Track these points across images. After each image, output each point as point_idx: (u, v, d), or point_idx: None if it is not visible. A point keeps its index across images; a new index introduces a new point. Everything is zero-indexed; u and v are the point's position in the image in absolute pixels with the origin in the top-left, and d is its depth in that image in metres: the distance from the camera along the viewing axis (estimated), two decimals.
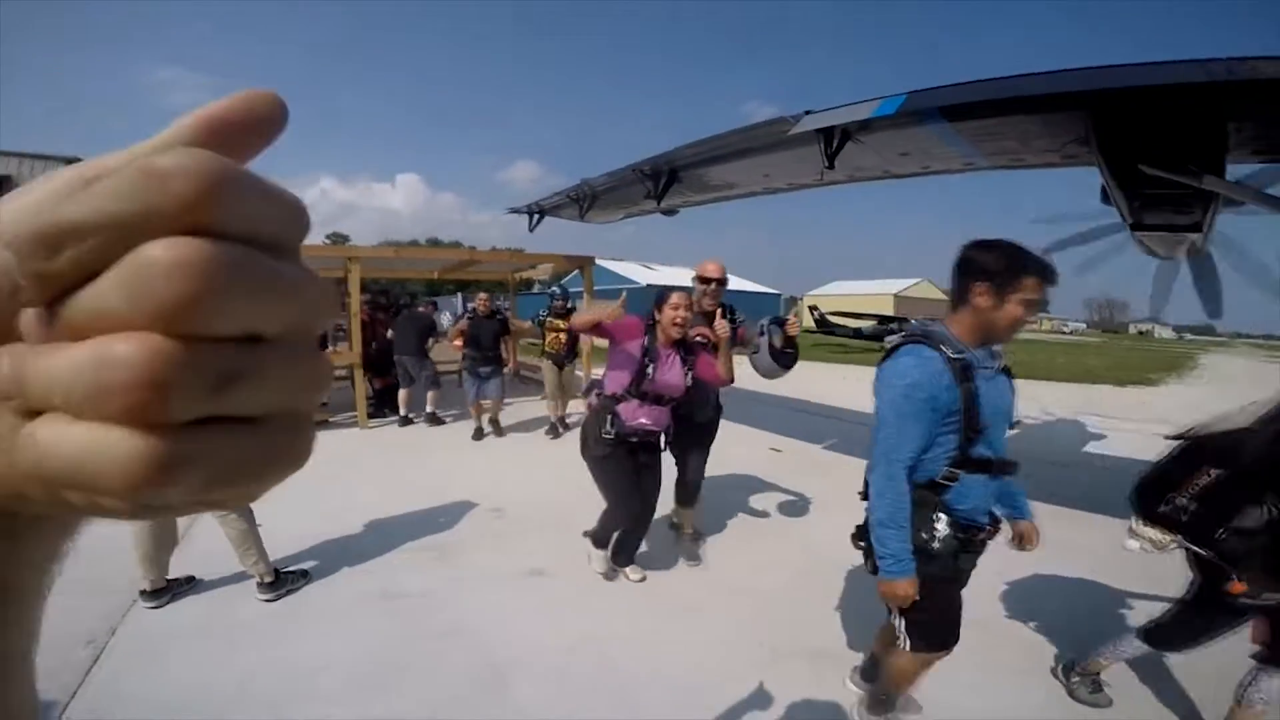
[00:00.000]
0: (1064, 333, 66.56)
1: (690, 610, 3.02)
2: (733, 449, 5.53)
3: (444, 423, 7.42)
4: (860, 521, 1.94)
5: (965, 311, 1.72)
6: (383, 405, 7.95)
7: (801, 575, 3.42)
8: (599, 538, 3.22)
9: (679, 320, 2.82)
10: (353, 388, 7.45)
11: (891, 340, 1.85)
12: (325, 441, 6.03)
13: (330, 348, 8.15)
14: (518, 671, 2.49)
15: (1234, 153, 3.29)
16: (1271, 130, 2.99)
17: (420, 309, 8.45)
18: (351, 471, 5.19)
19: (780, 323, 3.20)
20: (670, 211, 6.77)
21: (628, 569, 3.33)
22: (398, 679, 2.44)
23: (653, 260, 37.70)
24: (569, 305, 6.89)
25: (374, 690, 2.36)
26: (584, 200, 6.53)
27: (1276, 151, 3.34)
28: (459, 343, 6.70)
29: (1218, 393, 13.36)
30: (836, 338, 23.06)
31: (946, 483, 1.76)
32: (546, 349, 6.90)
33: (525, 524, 4.14)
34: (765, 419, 7.92)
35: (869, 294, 43.85)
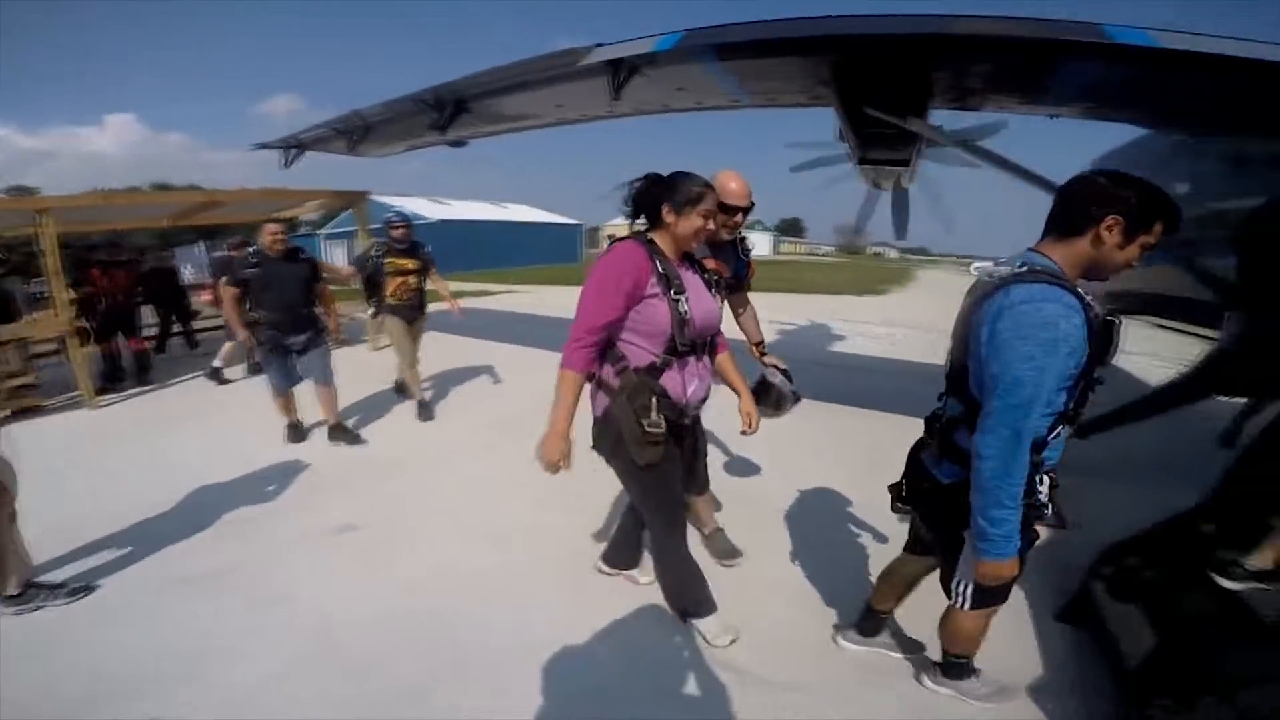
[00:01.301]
0: (817, 255, 77.78)
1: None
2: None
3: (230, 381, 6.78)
4: (893, 480, 1.97)
5: (1081, 243, 1.52)
6: (116, 377, 6.73)
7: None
8: (697, 601, 2.37)
9: (706, 230, 2.08)
10: (69, 362, 6.12)
11: (1002, 271, 1.58)
12: (42, 430, 5.04)
13: (27, 316, 6.65)
14: (346, 631, 2.46)
15: (936, 100, 4.06)
16: (962, 81, 3.71)
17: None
18: (103, 459, 4.44)
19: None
20: (458, 143, 6.43)
21: (635, 572, 2.78)
22: (220, 660, 2.28)
23: (445, 195, 35.45)
24: (416, 241, 5.29)
25: (196, 677, 2.19)
26: (354, 132, 5.90)
27: (966, 101, 4.17)
28: (231, 305, 4.47)
29: (924, 296, 19.75)
30: None
31: (1049, 441, 1.58)
32: (391, 299, 5.17)
33: (332, 480, 3.96)
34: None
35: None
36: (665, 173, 2.09)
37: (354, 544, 3.16)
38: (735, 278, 2.83)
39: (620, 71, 3.76)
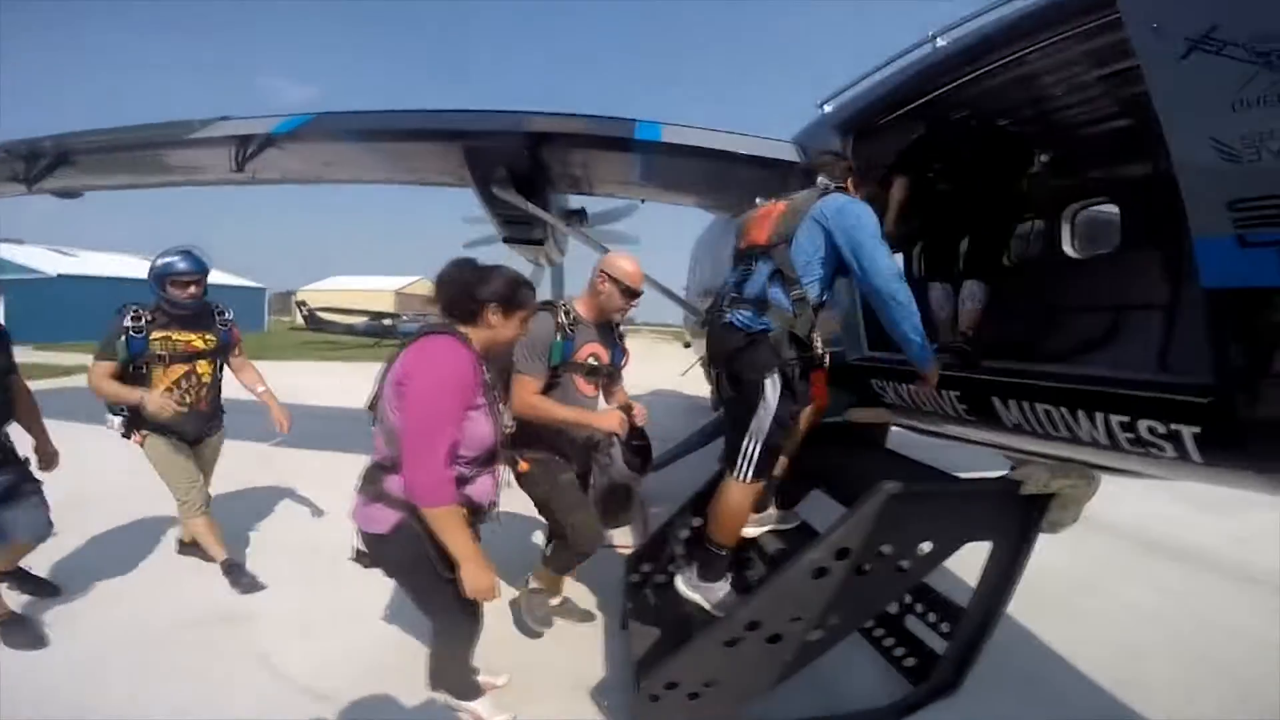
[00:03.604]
0: None
1: None
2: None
3: None
4: None
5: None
6: None
7: None
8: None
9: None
10: None
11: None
12: None
13: None
14: None
15: (557, 185, 4.88)
16: (563, 170, 4.50)
17: None
18: None
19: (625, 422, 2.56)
20: (69, 194, 5.58)
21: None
22: None
23: (72, 244, 27.81)
24: (210, 303, 3.19)
25: None
26: None
27: (579, 187, 5.08)
28: None
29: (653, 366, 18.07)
30: (328, 335, 22.22)
31: None
32: (163, 405, 2.88)
33: None
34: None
35: (371, 289, 42.81)
36: (479, 262, 1.94)
37: None
38: (613, 366, 2.74)
39: (249, 144, 3.81)
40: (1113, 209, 3.34)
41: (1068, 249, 3.49)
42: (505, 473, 2.09)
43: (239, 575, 3.21)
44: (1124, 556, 4.16)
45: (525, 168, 4.13)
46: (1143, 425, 1.84)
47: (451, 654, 2.13)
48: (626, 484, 2.56)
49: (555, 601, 2.92)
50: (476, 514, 1.91)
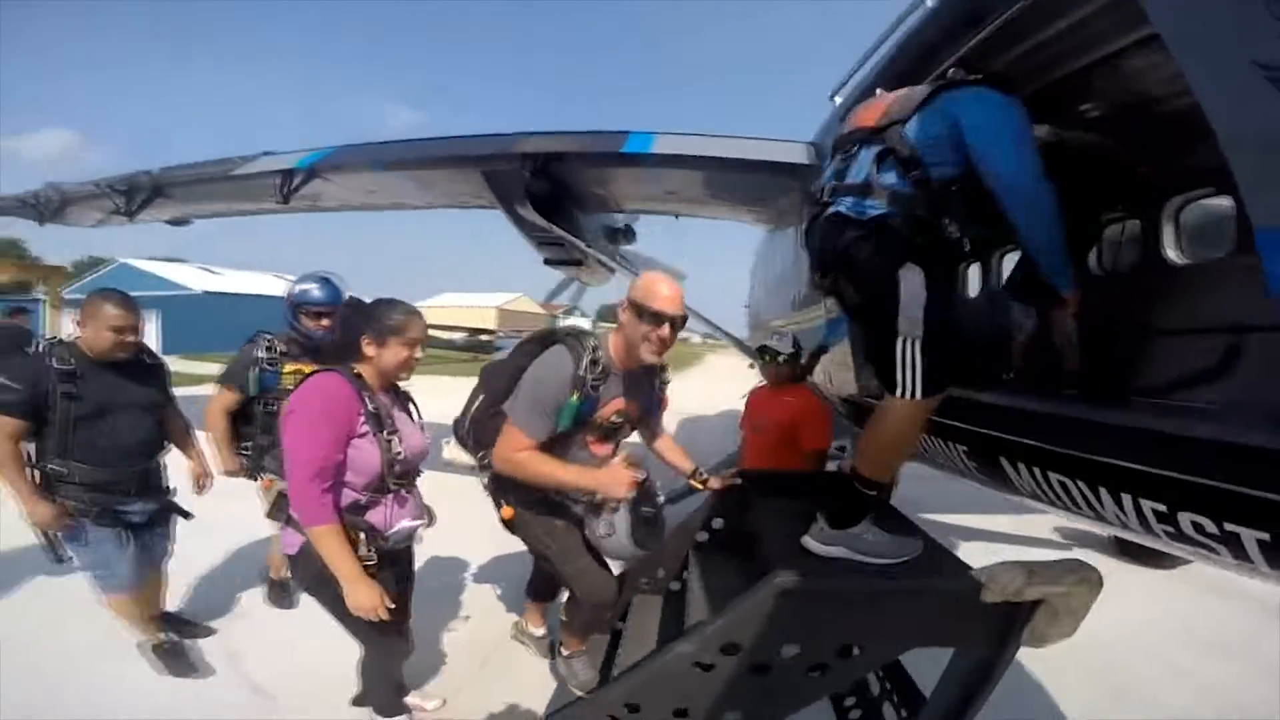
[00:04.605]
0: None
1: None
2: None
3: None
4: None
5: None
6: None
7: None
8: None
9: (414, 360, 2.03)
10: None
11: None
12: None
13: None
14: None
15: (586, 206, 4.98)
16: (586, 189, 4.53)
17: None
18: None
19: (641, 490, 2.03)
20: (178, 222, 6.46)
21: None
22: None
23: (221, 263, 31.74)
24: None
25: None
26: (47, 206, 5.72)
27: (608, 206, 5.19)
28: (12, 453, 2.31)
29: (707, 382, 17.97)
30: (431, 350, 23.80)
31: None
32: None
33: None
34: None
35: (474, 306, 45.42)
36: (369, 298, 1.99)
37: None
38: (644, 413, 2.31)
39: (292, 178, 4.24)
40: (1225, 201, 2.37)
41: (1170, 254, 2.48)
42: (416, 496, 2.12)
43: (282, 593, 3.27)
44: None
45: (543, 189, 4.16)
46: (1184, 519, 1.43)
47: (376, 672, 2.19)
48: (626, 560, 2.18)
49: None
50: (375, 535, 1.94)
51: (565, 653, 2.46)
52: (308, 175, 4.30)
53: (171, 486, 2.72)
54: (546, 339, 2.14)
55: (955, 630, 1.66)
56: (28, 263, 7.62)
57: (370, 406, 1.89)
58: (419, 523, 2.10)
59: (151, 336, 25.28)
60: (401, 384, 2.09)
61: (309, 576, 1.94)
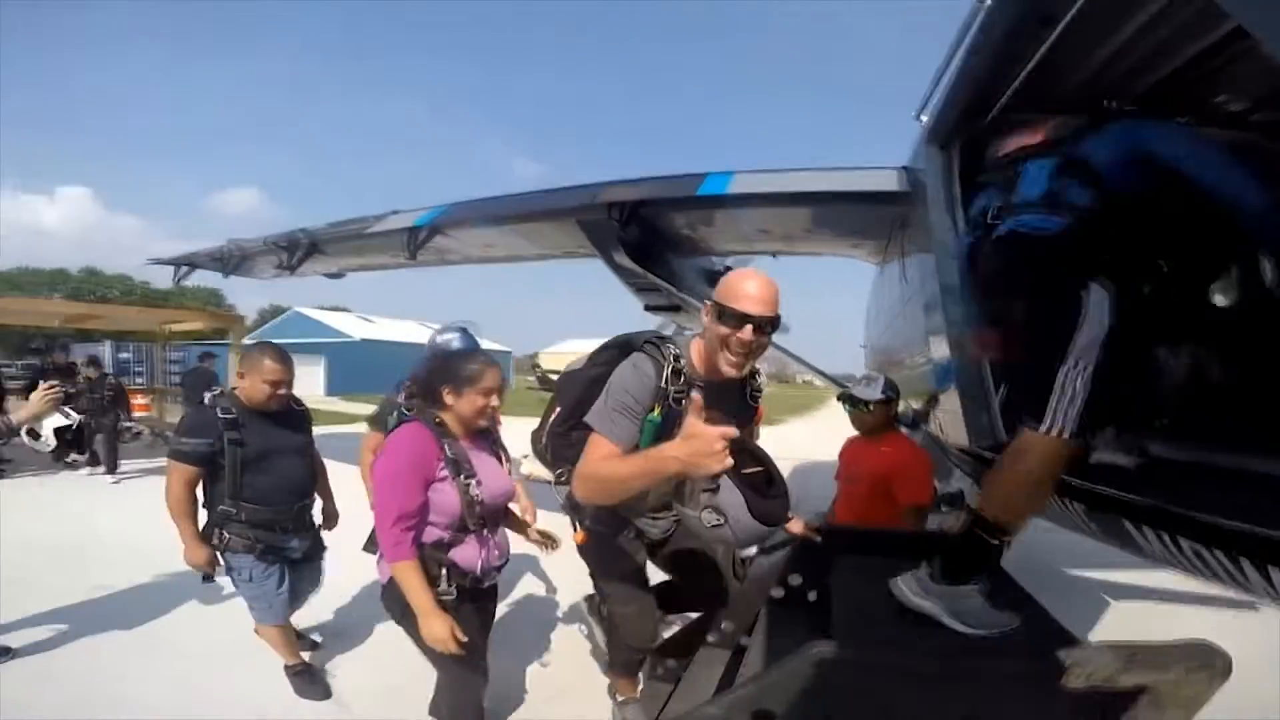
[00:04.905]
0: None
1: None
2: None
3: None
4: None
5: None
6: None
7: None
8: None
9: (490, 407, 2.13)
10: None
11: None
12: None
13: None
14: None
15: (679, 251, 5.01)
16: (677, 233, 4.55)
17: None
18: None
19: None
20: (334, 275, 7.34)
21: None
22: None
23: (376, 311, 35.77)
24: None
25: None
26: (229, 261, 6.72)
27: (701, 249, 5.16)
28: (185, 497, 2.61)
29: (807, 425, 17.34)
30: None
31: None
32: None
33: None
34: None
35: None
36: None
37: None
38: (738, 422, 2.16)
39: (418, 234, 4.68)
40: None
41: None
42: (500, 536, 2.23)
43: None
44: None
45: (634, 236, 4.24)
46: None
47: (451, 699, 2.26)
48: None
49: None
50: (455, 572, 2.06)
51: (620, 698, 2.43)
52: (430, 231, 4.74)
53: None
54: (625, 346, 1.95)
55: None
56: (220, 311, 9.04)
57: (450, 453, 2.02)
58: (498, 562, 2.21)
59: (319, 379, 29.55)
60: (509, 425, 2.22)
61: (395, 606, 2.06)
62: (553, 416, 2.19)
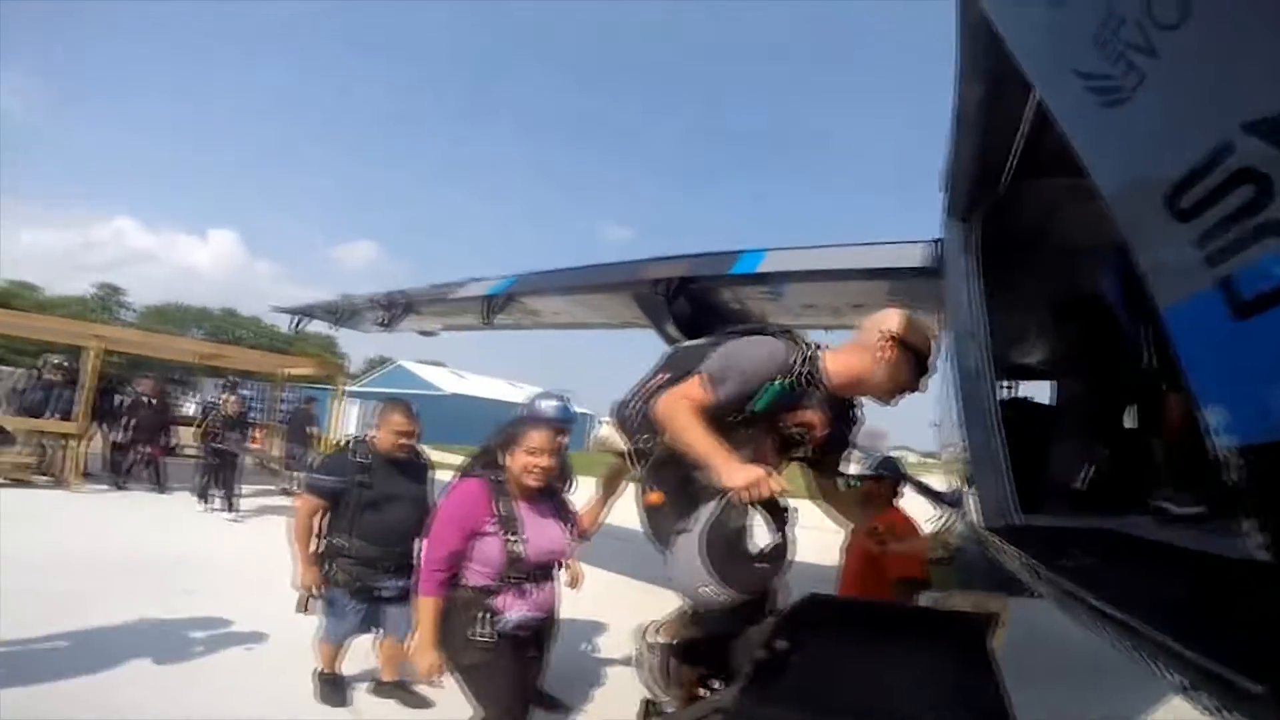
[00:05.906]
0: None
1: None
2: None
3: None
4: None
5: None
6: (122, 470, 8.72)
7: None
8: None
9: (539, 466, 2.25)
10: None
11: None
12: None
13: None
14: None
15: (728, 323, 5.25)
16: (725, 307, 4.49)
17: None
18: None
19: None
20: (427, 333, 8.11)
21: None
22: None
23: (468, 367, 38.10)
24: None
25: None
26: (340, 314, 7.57)
27: (749, 322, 5.34)
28: (306, 525, 3.00)
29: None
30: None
31: None
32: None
33: None
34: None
35: None
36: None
37: None
38: (829, 440, 1.95)
39: (493, 301, 5.24)
40: None
41: None
42: (546, 592, 2.35)
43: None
44: None
45: (683, 310, 4.30)
46: None
47: None
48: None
49: None
50: (493, 617, 2.16)
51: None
52: (505, 299, 5.28)
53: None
54: (756, 331, 1.91)
55: None
56: (326, 358, 10.35)
57: (501, 510, 2.21)
58: (538, 614, 2.29)
59: None
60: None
61: (443, 651, 2.20)
62: (653, 380, 1.99)
